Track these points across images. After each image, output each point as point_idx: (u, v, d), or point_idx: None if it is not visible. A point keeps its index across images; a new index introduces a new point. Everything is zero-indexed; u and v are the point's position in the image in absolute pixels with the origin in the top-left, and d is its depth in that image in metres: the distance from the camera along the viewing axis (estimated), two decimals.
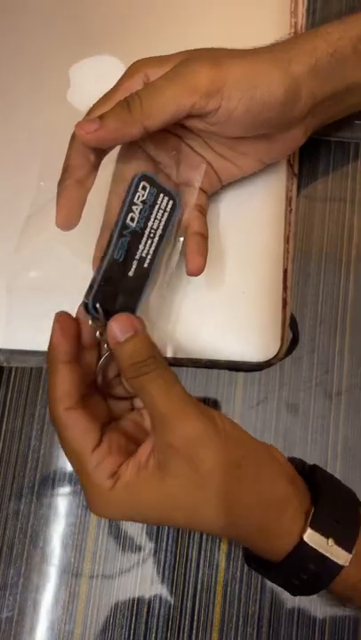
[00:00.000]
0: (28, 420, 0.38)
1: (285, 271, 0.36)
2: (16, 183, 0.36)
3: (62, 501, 0.37)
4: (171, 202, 0.31)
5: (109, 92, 0.30)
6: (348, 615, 0.35)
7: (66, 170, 0.30)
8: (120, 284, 0.30)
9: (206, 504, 0.27)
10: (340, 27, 0.30)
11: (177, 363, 0.37)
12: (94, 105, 0.30)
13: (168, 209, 0.31)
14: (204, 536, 0.36)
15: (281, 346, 0.36)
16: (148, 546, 0.36)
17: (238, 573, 0.36)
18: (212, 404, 0.38)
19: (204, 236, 0.33)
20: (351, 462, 0.36)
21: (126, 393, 0.32)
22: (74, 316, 0.30)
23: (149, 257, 0.30)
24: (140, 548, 0.36)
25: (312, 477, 0.31)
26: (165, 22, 0.38)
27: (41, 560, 0.36)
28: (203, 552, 0.36)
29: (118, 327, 0.28)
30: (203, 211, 0.33)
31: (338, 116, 0.35)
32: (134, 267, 0.30)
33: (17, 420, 0.38)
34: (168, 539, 0.36)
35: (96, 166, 0.30)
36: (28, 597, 0.36)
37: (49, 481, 0.37)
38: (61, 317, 0.29)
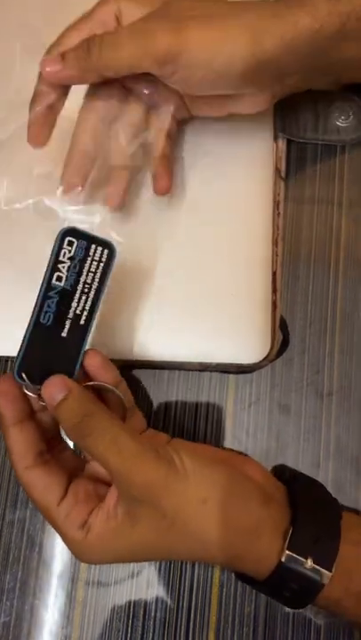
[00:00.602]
0: None
1: (274, 274, 0.37)
2: None
3: None
4: (106, 251, 0.29)
5: (80, 20, 0.31)
6: None
7: (36, 95, 0.31)
8: (51, 348, 0.29)
9: (179, 542, 0.28)
10: (330, 1, 0.28)
11: (167, 366, 0.37)
12: (65, 31, 0.31)
13: (104, 259, 0.29)
14: None
15: (271, 347, 0.36)
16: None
17: (233, 588, 0.36)
18: (205, 406, 0.38)
19: (170, 159, 0.33)
20: (343, 462, 0.37)
21: None
22: None
23: (85, 313, 0.29)
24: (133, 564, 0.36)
25: (294, 489, 0.31)
26: None
27: (37, 565, 0.36)
28: (197, 565, 0.36)
29: (49, 392, 0.28)
30: (170, 135, 0.34)
31: (318, 86, 0.34)
32: (68, 326, 0.29)
33: None
34: None
35: (65, 92, 0.31)
36: (25, 602, 0.36)
37: None
38: (3, 382, 0.29)
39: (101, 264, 0.29)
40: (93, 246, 0.29)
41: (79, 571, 0.36)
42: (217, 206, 0.37)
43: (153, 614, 0.35)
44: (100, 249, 0.29)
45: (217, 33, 0.28)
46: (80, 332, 0.29)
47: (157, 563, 0.36)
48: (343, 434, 0.37)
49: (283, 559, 0.27)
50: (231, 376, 0.38)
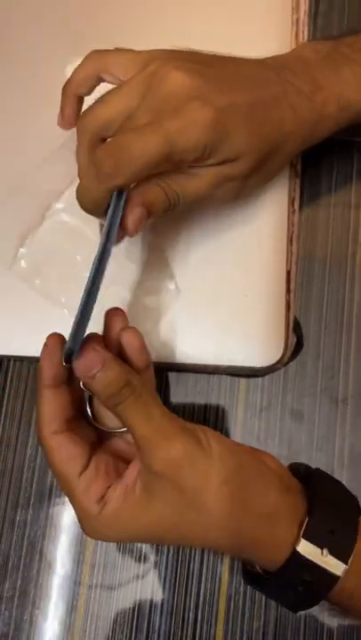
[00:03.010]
0: (24, 428, 0.37)
1: (289, 273, 0.35)
2: (12, 182, 0.35)
3: (59, 512, 0.36)
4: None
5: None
6: (358, 631, 0.34)
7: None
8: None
9: (195, 523, 0.27)
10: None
11: (177, 368, 0.36)
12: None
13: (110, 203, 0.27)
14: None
15: (285, 350, 0.35)
16: (148, 558, 0.35)
17: (242, 587, 0.34)
18: (214, 410, 0.36)
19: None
20: (358, 471, 0.35)
21: (115, 425, 0.30)
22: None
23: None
24: (139, 561, 0.35)
25: (311, 483, 0.30)
26: (163, 20, 0.38)
27: (37, 573, 0.35)
28: (205, 565, 0.35)
29: (85, 364, 0.27)
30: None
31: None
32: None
33: (12, 427, 0.37)
34: (169, 551, 0.35)
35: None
36: (24, 612, 0.35)
37: (45, 491, 0.36)
38: (49, 340, 0.28)
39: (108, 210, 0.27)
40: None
41: (81, 579, 0.35)
42: (230, 204, 0.35)
43: (157, 627, 0.34)
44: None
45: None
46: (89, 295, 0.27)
47: (163, 572, 0.34)
48: (358, 442, 0.35)
49: (298, 548, 0.27)
50: (242, 379, 0.36)
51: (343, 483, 0.34)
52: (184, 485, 0.26)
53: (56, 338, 0.28)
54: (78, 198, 0.28)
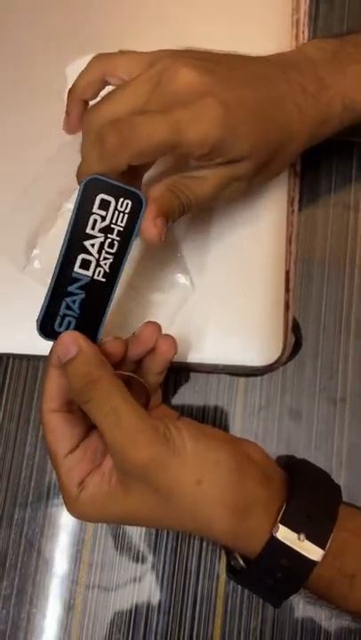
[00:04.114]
0: (22, 425, 0.37)
1: (287, 273, 0.35)
2: (22, 185, 0.35)
3: (57, 511, 0.36)
4: (131, 203, 0.27)
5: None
6: (355, 630, 0.34)
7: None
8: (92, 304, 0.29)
9: (170, 517, 0.28)
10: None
11: (176, 367, 0.36)
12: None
13: (128, 210, 0.28)
14: (204, 546, 0.35)
15: (283, 350, 0.35)
16: (146, 557, 0.35)
17: (239, 586, 0.34)
18: (212, 409, 0.36)
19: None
20: (357, 471, 0.35)
21: None
22: None
23: (109, 270, 0.28)
24: (137, 560, 0.35)
25: (292, 472, 0.31)
26: (163, 20, 0.38)
27: (35, 572, 0.35)
28: (202, 563, 0.35)
29: (61, 348, 0.28)
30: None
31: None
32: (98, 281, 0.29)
33: (11, 424, 0.37)
34: (166, 549, 0.35)
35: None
36: (21, 610, 0.35)
37: (44, 489, 0.36)
38: (68, 334, 0.28)
39: (127, 216, 0.28)
40: (121, 199, 0.27)
41: (78, 578, 0.35)
42: (229, 203, 0.35)
43: (154, 626, 0.34)
44: (126, 202, 0.27)
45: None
46: (104, 290, 0.28)
47: (160, 571, 0.35)
48: (357, 442, 0.35)
49: (275, 533, 0.27)
50: (241, 379, 0.36)
51: (341, 483, 0.34)
52: (157, 486, 0.27)
53: (75, 334, 0.28)
54: (78, 176, 0.28)
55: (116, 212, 0.28)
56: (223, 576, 0.34)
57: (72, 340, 0.28)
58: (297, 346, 0.36)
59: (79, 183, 0.27)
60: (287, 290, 0.35)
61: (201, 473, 0.27)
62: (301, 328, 0.37)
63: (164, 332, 0.31)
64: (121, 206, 0.28)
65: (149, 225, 0.28)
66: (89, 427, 0.29)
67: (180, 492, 0.27)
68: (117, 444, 0.26)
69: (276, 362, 0.34)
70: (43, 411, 0.29)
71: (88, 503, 0.28)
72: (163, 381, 0.32)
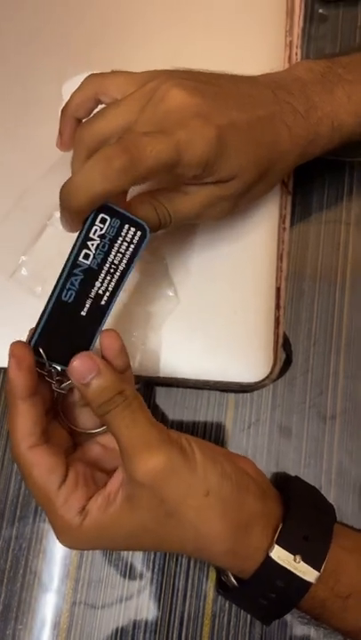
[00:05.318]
0: (9, 440, 0.36)
1: (278, 289, 0.36)
2: (14, 195, 0.36)
3: (45, 527, 0.35)
4: (138, 232, 0.28)
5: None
6: None
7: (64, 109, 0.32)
8: (69, 326, 0.28)
9: (173, 534, 0.27)
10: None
11: (166, 382, 0.36)
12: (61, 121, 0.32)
13: (135, 240, 0.28)
14: (192, 565, 0.34)
15: (274, 366, 0.35)
16: (133, 575, 0.35)
17: (227, 605, 0.34)
18: (202, 425, 0.36)
19: None
20: (346, 488, 0.35)
21: (92, 425, 0.30)
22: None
23: (107, 294, 0.28)
24: (124, 577, 0.35)
25: (287, 489, 0.31)
26: (157, 40, 0.38)
27: (21, 588, 0.35)
28: (190, 581, 0.34)
29: (81, 368, 0.27)
30: None
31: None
32: (88, 306, 0.28)
33: (0, 439, 0.37)
34: (154, 567, 0.34)
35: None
36: (6, 626, 0.34)
37: (32, 504, 0.36)
38: (16, 349, 0.27)
39: (131, 245, 0.28)
40: (126, 226, 0.28)
41: (65, 595, 0.34)
42: (214, 222, 0.36)
43: None
44: (132, 230, 0.28)
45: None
46: (99, 312, 0.29)
47: (147, 589, 0.34)
48: (346, 459, 0.35)
49: (271, 553, 0.27)
50: (231, 395, 0.36)
51: (331, 500, 0.34)
52: (166, 496, 0.26)
53: (23, 345, 0.27)
54: (69, 194, 0.26)
55: (119, 239, 0.28)
56: (211, 595, 0.34)
57: (91, 361, 0.27)
58: (287, 362, 0.37)
59: (63, 194, 0.27)
60: (278, 306, 0.35)
61: (208, 484, 0.27)
62: (292, 344, 0.37)
63: (149, 345, 0.31)
64: (126, 235, 0.28)
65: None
66: (65, 454, 0.28)
67: (187, 503, 0.27)
68: (135, 449, 0.26)
69: (266, 378, 0.34)
70: (21, 450, 0.27)
71: (92, 529, 0.27)
72: (142, 392, 0.32)
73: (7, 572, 0.35)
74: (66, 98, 0.34)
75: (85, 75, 0.32)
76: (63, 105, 0.33)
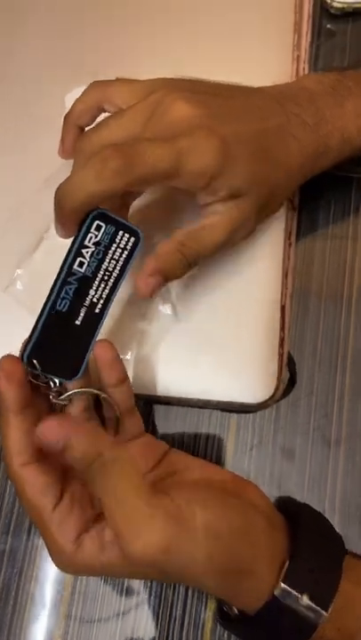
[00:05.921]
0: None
1: (283, 307, 0.35)
2: (11, 206, 0.35)
3: (39, 542, 0.34)
4: (132, 239, 0.28)
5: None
6: None
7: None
8: (64, 336, 0.27)
9: (177, 581, 0.27)
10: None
11: (166, 401, 0.35)
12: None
13: (128, 247, 0.28)
14: (190, 593, 0.33)
15: (277, 386, 0.34)
16: (129, 604, 0.33)
17: (226, 635, 0.33)
18: (203, 446, 0.35)
19: None
20: (350, 515, 0.34)
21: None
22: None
23: (101, 302, 0.28)
24: (119, 604, 0.33)
25: (295, 520, 0.29)
26: (161, 51, 0.38)
27: (14, 605, 0.33)
28: (188, 610, 0.33)
29: (49, 436, 0.24)
30: None
31: None
32: (82, 314, 0.28)
33: None
34: (151, 595, 0.33)
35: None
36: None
37: (25, 519, 0.35)
38: (5, 363, 0.26)
39: (125, 252, 0.28)
40: (121, 232, 0.28)
41: (59, 618, 0.33)
42: (233, 248, 0.35)
43: None
44: (126, 236, 0.28)
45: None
46: (94, 320, 0.28)
47: (144, 617, 0.33)
48: (351, 485, 0.34)
49: (276, 593, 0.26)
50: (233, 415, 0.35)
51: (334, 526, 0.33)
52: (164, 569, 0.25)
53: (13, 359, 0.27)
54: (64, 194, 0.26)
55: (113, 246, 0.28)
56: (209, 625, 0.33)
57: (57, 427, 0.24)
58: (291, 382, 0.36)
59: (57, 195, 0.26)
60: (282, 325, 0.34)
61: (213, 545, 0.25)
62: (296, 363, 0.36)
63: (148, 362, 0.30)
64: (120, 241, 0.28)
65: (142, 278, 0.28)
66: (61, 472, 0.27)
67: (190, 569, 0.25)
68: (126, 527, 0.24)
69: (269, 399, 0.33)
70: (14, 467, 0.26)
71: (84, 564, 0.26)
72: (138, 407, 0.31)
73: (1, 588, 0.34)
74: (69, 107, 0.33)
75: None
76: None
